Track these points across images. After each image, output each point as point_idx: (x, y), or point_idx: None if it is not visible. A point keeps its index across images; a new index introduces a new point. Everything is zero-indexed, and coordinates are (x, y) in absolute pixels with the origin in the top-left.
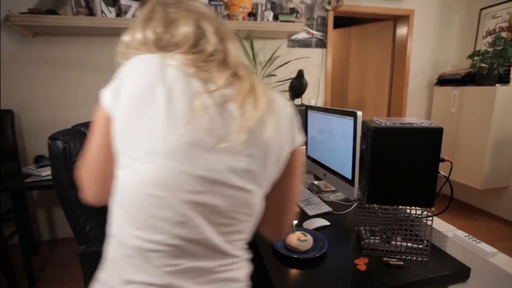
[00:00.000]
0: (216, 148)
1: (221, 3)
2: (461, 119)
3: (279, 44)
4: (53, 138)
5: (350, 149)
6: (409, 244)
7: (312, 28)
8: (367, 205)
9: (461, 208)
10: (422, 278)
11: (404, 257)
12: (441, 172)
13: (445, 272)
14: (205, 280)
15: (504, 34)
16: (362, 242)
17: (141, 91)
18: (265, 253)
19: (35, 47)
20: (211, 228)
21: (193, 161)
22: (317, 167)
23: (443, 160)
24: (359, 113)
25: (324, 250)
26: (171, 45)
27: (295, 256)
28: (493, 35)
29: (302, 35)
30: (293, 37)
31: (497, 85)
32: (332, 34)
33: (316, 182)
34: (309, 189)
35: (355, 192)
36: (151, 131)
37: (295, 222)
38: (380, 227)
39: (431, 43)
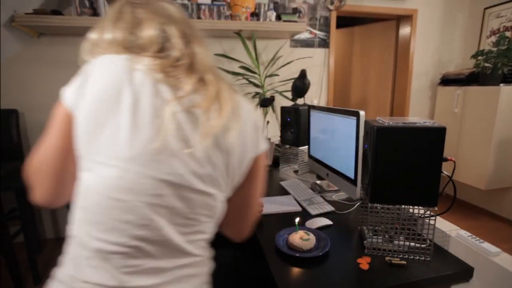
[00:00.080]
0: (181, 153)
1: (223, 3)
2: (465, 119)
3: (282, 44)
4: None
5: (352, 148)
6: (412, 244)
7: (314, 28)
8: (369, 204)
9: (465, 209)
10: (425, 277)
11: (407, 256)
12: (444, 172)
13: (448, 271)
14: (165, 279)
15: (508, 34)
16: (365, 241)
17: (107, 93)
18: (268, 252)
19: (40, 47)
20: (173, 229)
21: (157, 166)
22: (320, 167)
23: (446, 160)
24: (362, 113)
25: (327, 249)
26: (137, 47)
27: (298, 255)
28: (497, 35)
29: (304, 35)
30: (296, 37)
31: (501, 85)
32: (335, 34)
33: (318, 182)
34: (311, 189)
35: (358, 191)
36: (116, 135)
37: (298, 220)
38: (382, 226)
39: (435, 43)
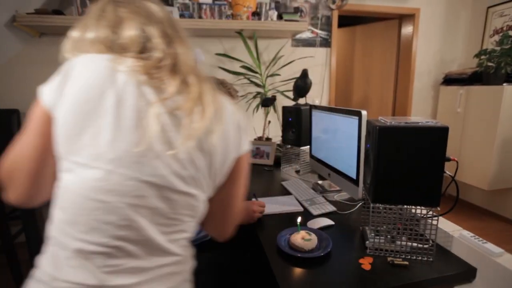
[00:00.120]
0: (164, 155)
1: (225, 2)
2: (467, 119)
3: (283, 44)
4: None
5: (354, 148)
6: (414, 244)
7: (316, 28)
8: (372, 204)
9: (468, 209)
10: (427, 278)
11: (409, 257)
12: (447, 172)
13: (451, 272)
14: (146, 278)
15: (511, 33)
16: (367, 241)
17: (89, 94)
18: (269, 252)
19: (42, 47)
20: (155, 228)
21: (141, 168)
22: (322, 167)
23: (448, 160)
24: (364, 113)
25: (329, 250)
26: (118, 47)
27: (299, 255)
28: (501, 34)
29: (306, 35)
30: (297, 36)
31: (504, 84)
32: (337, 33)
33: (320, 182)
34: (313, 189)
35: (360, 191)
36: (98, 137)
37: (299, 220)
38: (385, 226)
39: (437, 42)
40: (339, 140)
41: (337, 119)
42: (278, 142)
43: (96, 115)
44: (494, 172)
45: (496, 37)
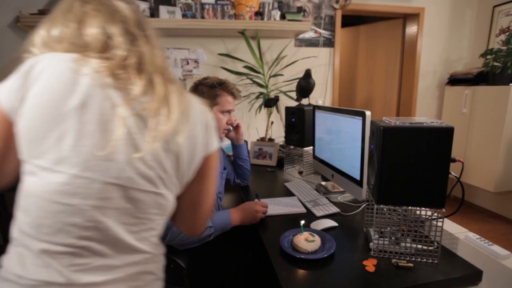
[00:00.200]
0: (130, 157)
1: (227, 2)
2: (473, 119)
3: (286, 43)
4: None
5: (358, 149)
6: (419, 246)
7: (319, 27)
8: (376, 206)
9: (474, 211)
10: (432, 280)
11: (414, 259)
12: (452, 173)
13: (456, 274)
14: (117, 276)
15: None
16: (371, 243)
17: (53, 98)
18: (272, 253)
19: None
20: (122, 228)
21: (106, 171)
22: (325, 168)
23: (454, 160)
24: (368, 113)
25: (332, 251)
26: (81, 45)
27: (303, 256)
28: (507, 33)
29: (309, 34)
30: (301, 36)
31: (510, 84)
32: (340, 33)
33: (323, 183)
34: (316, 190)
35: (364, 193)
36: (62, 141)
37: (303, 222)
38: (389, 228)
39: (442, 41)
40: (342, 140)
41: (340, 119)
42: (281, 143)
43: (60, 119)
44: (500, 173)
45: (502, 37)
